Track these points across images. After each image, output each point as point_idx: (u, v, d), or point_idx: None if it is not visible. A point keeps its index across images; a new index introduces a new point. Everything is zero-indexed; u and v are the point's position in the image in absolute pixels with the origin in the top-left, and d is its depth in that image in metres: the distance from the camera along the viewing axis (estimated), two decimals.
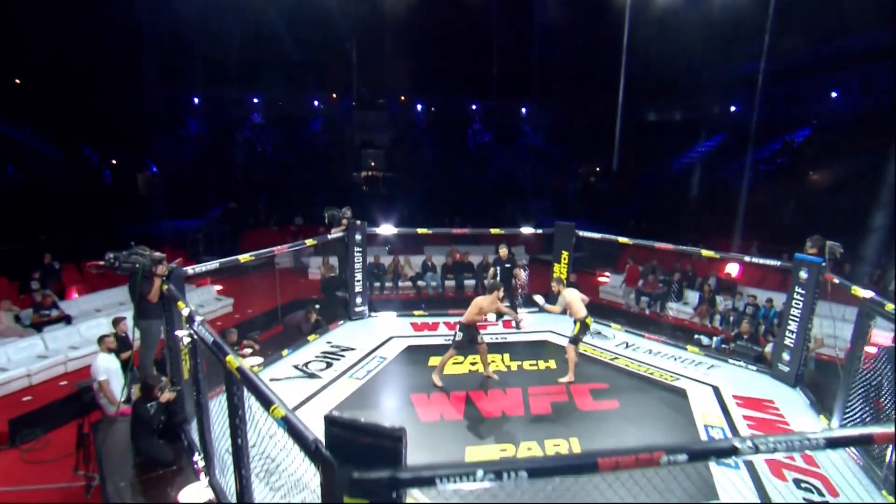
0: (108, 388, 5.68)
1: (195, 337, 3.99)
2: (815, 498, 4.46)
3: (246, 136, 24.90)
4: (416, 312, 8.97)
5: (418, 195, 20.91)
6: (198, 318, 3.92)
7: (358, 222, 8.26)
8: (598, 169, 25.81)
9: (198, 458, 4.54)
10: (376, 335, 7.93)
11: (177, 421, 5.02)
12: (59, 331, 8.36)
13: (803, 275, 6.28)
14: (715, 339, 8.27)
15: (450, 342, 6.78)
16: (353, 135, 26.11)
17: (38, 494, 5.33)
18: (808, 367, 6.64)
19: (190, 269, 5.60)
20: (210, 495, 4.20)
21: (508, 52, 25.87)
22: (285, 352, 7.13)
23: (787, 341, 6.52)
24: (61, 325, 8.63)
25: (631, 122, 22.26)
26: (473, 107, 28.80)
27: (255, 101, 26.25)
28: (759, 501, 4.38)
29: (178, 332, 4.36)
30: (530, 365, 7.03)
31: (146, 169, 21.74)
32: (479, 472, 2.03)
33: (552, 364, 7.05)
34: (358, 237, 8.27)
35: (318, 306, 8.31)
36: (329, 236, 8.13)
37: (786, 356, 6.56)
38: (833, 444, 2.50)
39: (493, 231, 9.32)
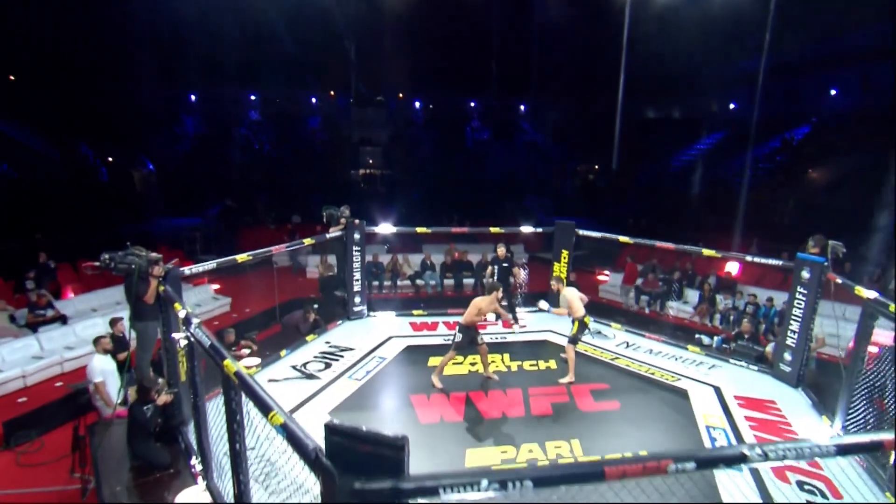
0: (105, 390, 5.62)
1: (192, 339, 3.92)
2: (819, 500, 4.43)
3: (243, 134, 24.76)
4: (415, 312, 8.92)
5: (417, 194, 20.83)
6: (195, 321, 3.85)
7: (356, 221, 8.20)
8: (596, 167, 25.77)
9: (195, 461, 4.48)
10: (375, 335, 7.88)
11: (174, 424, 4.95)
12: (54, 331, 8.27)
13: (805, 274, 6.24)
14: (716, 338, 8.23)
15: (449, 342, 6.73)
16: (351, 132, 25.99)
17: (34, 498, 5.26)
18: (809, 367, 6.60)
19: (187, 270, 5.54)
20: (208, 499, 4.14)
21: (507, 50, 25.79)
22: (283, 352, 7.07)
23: (789, 341, 6.48)
24: (57, 326, 8.54)
25: (630, 120, 22.25)
26: (472, 104, 28.70)
27: (253, 98, 26.10)
28: (761, 503, 4.34)
29: (175, 335, 4.29)
30: (530, 365, 6.99)
31: (143, 167, 21.60)
32: (484, 482, 1.99)
33: (552, 364, 7.01)
34: (356, 236, 8.22)
35: (316, 306, 8.25)
36: (327, 235, 8.06)
37: (787, 356, 6.52)
38: (843, 451, 2.46)
39: (493, 230, 9.26)
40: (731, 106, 23.07)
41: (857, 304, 5.97)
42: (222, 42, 21.26)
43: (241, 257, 6.30)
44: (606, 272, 12.48)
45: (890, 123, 13.83)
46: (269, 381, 6.36)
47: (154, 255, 4.91)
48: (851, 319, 6.70)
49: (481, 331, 6.47)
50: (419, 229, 9.18)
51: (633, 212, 19.10)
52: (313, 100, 26.93)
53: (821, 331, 6.63)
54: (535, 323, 8.62)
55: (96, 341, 5.80)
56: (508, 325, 8.48)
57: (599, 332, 8.25)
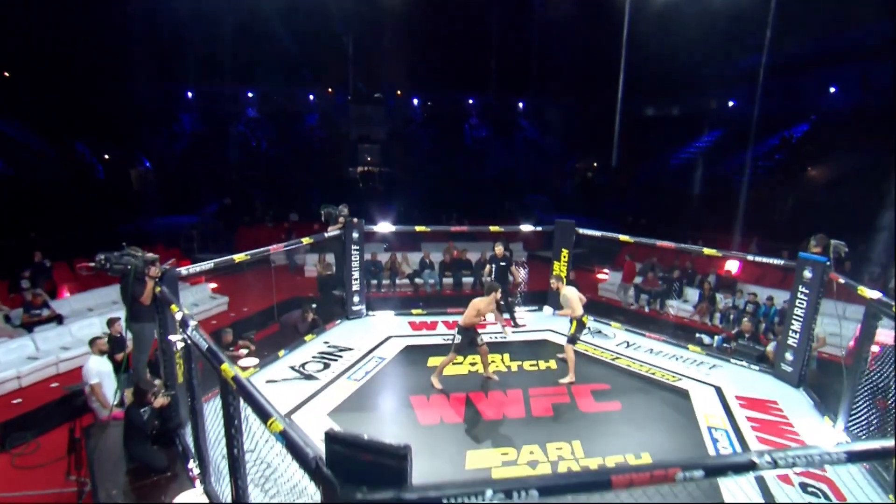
0: (101, 392, 5.55)
1: (189, 342, 3.86)
2: (822, 502, 4.40)
3: (240, 131, 24.64)
4: (414, 311, 8.87)
5: (415, 191, 20.76)
6: (191, 323, 3.79)
7: (355, 220, 8.13)
8: (595, 164, 25.72)
9: (193, 465, 4.43)
10: (374, 335, 7.82)
11: (171, 426, 4.89)
12: (50, 331, 8.19)
13: (807, 274, 6.21)
14: (716, 338, 8.20)
15: (449, 342, 6.70)
16: (349, 130, 25.87)
17: (29, 500, 5.20)
18: (810, 367, 6.57)
19: (184, 270, 5.47)
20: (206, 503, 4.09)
21: (505, 47, 25.68)
22: (282, 352, 7.02)
23: (791, 341, 6.45)
24: (52, 325, 8.46)
25: (628, 118, 22.18)
26: (470, 101, 28.60)
27: (250, 95, 25.95)
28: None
29: (172, 337, 4.23)
30: (530, 365, 6.95)
31: (140, 164, 21.46)
32: (489, 492, 1.95)
33: (552, 364, 6.96)
34: (355, 235, 8.15)
35: (314, 305, 8.19)
36: (326, 234, 8.00)
37: (789, 356, 6.49)
38: (853, 458, 2.41)
39: (493, 229, 9.21)
40: (731, 104, 23.02)
41: (857, 302, 5.97)
42: (219, 39, 21.13)
43: (239, 257, 6.23)
44: (606, 270, 12.44)
45: (889, 121, 13.81)
46: (268, 381, 6.31)
47: (150, 255, 4.85)
48: (851, 318, 6.71)
49: (480, 330, 6.41)
50: (418, 228, 9.13)
51: (632, 210, 19.08)
52: (311, 97, 26.78)
53: (822, 330, 6.61)
54: (534, 322, 8.58)
55: (92, 342, 5.73)
56: (509, 323, 8.45)
57: (600, 332, 8.22)
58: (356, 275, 8.30)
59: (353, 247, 8.17)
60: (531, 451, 5.04)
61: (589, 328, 8.18)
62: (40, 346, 7.81)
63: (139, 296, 4.78)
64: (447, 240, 13.05)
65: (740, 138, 19.28)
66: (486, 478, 4.64)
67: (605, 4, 20.89)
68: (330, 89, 26.66)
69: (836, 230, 6.75)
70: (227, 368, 3.01)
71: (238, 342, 7.30)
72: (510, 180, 24.12)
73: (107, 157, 20.33)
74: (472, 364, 6.76)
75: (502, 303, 7.88)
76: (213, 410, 3.97)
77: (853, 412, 5.17)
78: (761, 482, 4.64)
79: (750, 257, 7.33)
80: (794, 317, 6.37)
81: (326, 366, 6.76)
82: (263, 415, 2.61)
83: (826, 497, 4.45)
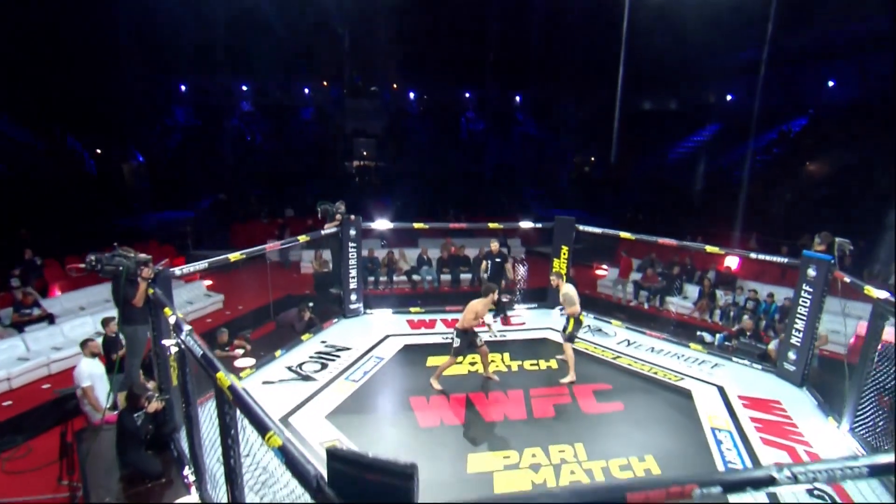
0: (93, 395, 5.42)
1: (183, 347, 3.74)
2: (828, 503, 4.34)
3: (235, 125, 24.36)
4: (412, 309, 8.75)
5: (411, 186, 20.60)
6: (185, 328, 3.66)
7: (352, 217, 7.99)
8: (592, 159, 25.61)
9: (188, 471, 4.32)
10: (372, 334, 7.71)
11: (166, 431, 4.78)
12: (41, 331, 8.04)
13: (811, 272, 6.12)
14: (717, 336, 8.13)
15: (448, 340, 6.60)
16: (344, 123, 25.63)
17: None
18: (812, 365, 6.51)
19: (178, 270, 5.33)
20: None
21: (502, 40, 25.42)
22: (278, 352, 6.90)
23: (794, 340, 6.38)
24: (43, 325, 8.30)
25: (626, 111, 22.05)
26: (467, 95, 28.38)
27: (244, 88, 25.64)
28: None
29: (166, 342, 4.10)
30: (531, 365, 6.86)
31: (132, 159, 21.16)
32: None
33: (553, 364, 6.88)
34: (352, 232, 8.02)
35: (311, 304, 8.07)
36: (323, 231, 7.86)
37: (792, 355, 6.43)
38: (875, 471, 2.33)
39: (492, 225, 9.11)
40: (728, 97, 22.94)
41: (857, 298, 5.91)
42: (213, 31, 20.82)
43: (234, 256, 6.09)
44: (604, 266, 12.37)
45: (888, 115, 13.77)
46: (264, 382, 6.20)
47: (143, 256, 4.71)
48: (851, 315, 6.65)
49: (479, 330, 6.28)
50: (416, 225, 9.01)
51: (630, 205, 19.01)
52: (306, 90, 26.49)
53: (823, 328, 6.55)
54: (534, 321, 8.50)
55: (84, 344, 5.59)
56: (508, 321, 8.38)
57: (600, 330, 8.15)
58: (353, 272, 8.18)
59: (351, 244, 8.04)
60: (533, 453, 4.96)
61: (589, 326, 8.14)
62: (31, 346, 7.66)
63: (131, 298, 4.65)
64: (445, 236, 12.93)
65: (738, 132, 19.21)
66: (488, 482, 4.59)
67: None
68: (325, 82, 26.36)
69: (835, 225, 6.69)
70: (224, 377, 2.89)
71: (234, 342, 7.20)
72: (507, 175, 23.99)
73: (98, 151, 20.03)
74: (472, 364, 6.66)
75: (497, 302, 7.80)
76: (208, 414, 3.86)
77: (859, 413, 5.12)
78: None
79: (753, 255, 7.22)
80: (798, 315, 6.29)
81: (324, 366, 6.65)
82: (261, 428, 2.50)
83: (831, 498, 4.39)
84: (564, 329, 6.48)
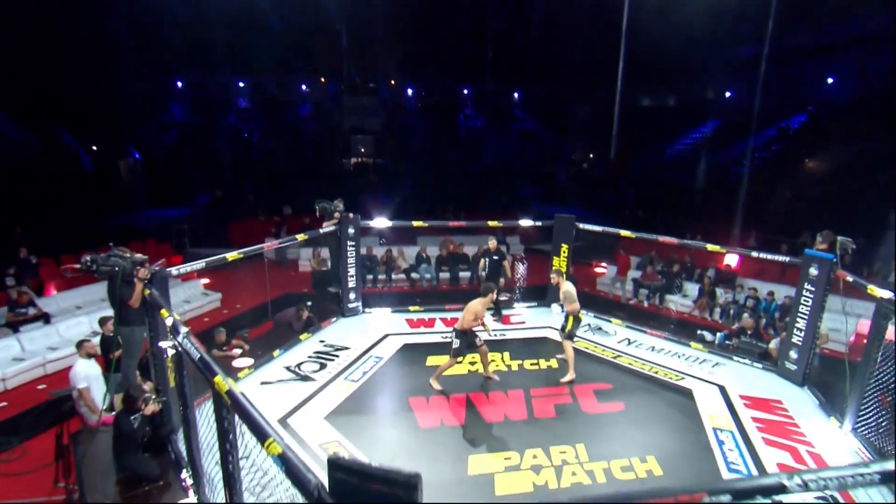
0: (89, 397, 5.35)
1: (180, 349, 3.68)
2: (830, 503, 4.31)
3: (232, 122, 24.20)
4: (411, 308, 8.70)
5: (410, 183, 20.51)
6: (183, 330, 3.60)
7: (350, 215, 7.93)
8: (591, 155, 25.55)
9: (185, 474, 4.27)
10: (371, 333, 7.67)
11: (163, 433, 4.73)
12: (36, 330, 7.93)
13: (813, 271, 6.09)
14: (718, 334, 8.09)
15: (447, 339, 6.55)
16: (342, 120, 25.48)
17: None
18: (813, 364, 6.49)
19: (174, 270, 5.27)
20: None
21: (501, 36, 25.28)
22: (276, 352, 6.85)
23: (795, 339, 6.36)
24: (39, 325, 8.20)
25: (625, 108, 21.95)
26: (465, 91, 28.24)
27: (241, 85, 25.45)
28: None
29: (162, 344, 4.04)
30: (531, 364, 6.83)
31: (128, 156, 21.01)
32: None
33: (553, 363, 6.84)
34: (351, 231, 7.96)
35: (309, 303, 8.01)
36: (321, 230, 7.79)
37: (793, 354, 6.40)
38: (886, 478, 2.29)
39: (491, 223, 9.05)
40: (727, 94, 22.87)
41: (857, 296, 5.88)
42: (210, 27, 20.60)
43: (232, 256, 6.03)
44: (604, 264, 12.32)
45: (888, 112, 13.73)
46: (262, 383, 6.15)
47: (139, 256, 4.64)
48: (851, 313, 6.63)
49: (477, 329, 6.22)
50: (415, 223, 8.95)
51: (629, 202, 18.96)
52: (303, 87, 26.31)
53: (823, 326, 6.53)
54: (533, 319, 8.46)
55: (79, 345, 5.51)
56: (508, 320, 8.34)
57: (600, 329, 8.12)
58: (352, 271, 8.13)
59: (349, 242, 7.98)
60: (534, 454, 4.93)
61: (589, 325, 8.11)
62: (26, 346, 7.57)
63: (127, 299, 4.58)
64: (444, 233, 12.86)
65: (737, 129, 19.15)
66: (489, 484, 4.55)
67: None
68: (323, 79, 26.17)
69: (834, 223, 6.65)
70: (222, 382, 2.84)
71: (231, 342, 7.14)
72: (505, 171, 23.91)
73: (94, 148, 19.87)
74: (472, 363, 6.62)
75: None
76: (206, 416, 3.80)
77: (861, 413, 5.09)
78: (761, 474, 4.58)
79: (755, 254, 7.18)
80: (800, 314, 6.26)
81: (323, 366, 6.60)
82: (261, 434, 2.44)
83: (833, 499, 4.36)
84: (564, 327, 6.45)
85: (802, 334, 6.25)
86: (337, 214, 7.81)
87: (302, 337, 7.35)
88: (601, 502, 2.20)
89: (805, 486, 2.16)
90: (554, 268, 8.33)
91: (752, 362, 6.95)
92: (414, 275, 11.77)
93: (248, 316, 9.36)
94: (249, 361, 6.53)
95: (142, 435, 4.56)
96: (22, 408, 6.57)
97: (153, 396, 4.65)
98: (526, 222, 9.51)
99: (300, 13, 20.46)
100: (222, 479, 3.23)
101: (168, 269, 5.06)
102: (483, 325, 6.05)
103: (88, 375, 5.41)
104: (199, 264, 5.58)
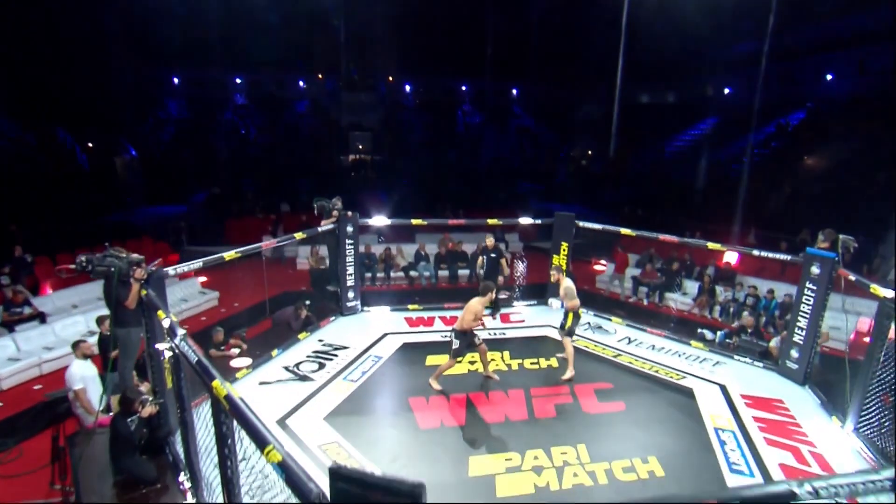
0: (85, 398, 5.30)
1: (177, 352, 3.62)
2: (833, 502, 4.29)
3: (229, 119, 24.06)
4: (410, 307, 8.65)
5: (408, 180, 20.44)
6: (180, 332, 3.55)
7: (349, 213, 7.86)
8: (589, 152, 25.50)
9: (184, 478, 4.22)
10: (370, 332, 7.62)
11: (160, 435, 4.67)
12: (32, 330, 7.86)
13: (815, 270, 6.06)
14: (719, 333, 8.07)
15: (446, 339, 6.50)
16: (340, 116, 25.36)
17: None
18: (814, 362, 6.47)
19: (171, 270, 5.20)
20: None
21: (499, 32, 25.19)
22: (275, 352, 6.80)
23: (796, 338, 6.33)
24: (35, 324, 8.12)
25: (624, 104, 21.91)
26: (463, 88, 28.14)
27: (238, 81, 25.29)
28: None
29: (159, 346, 3.98)
30: (531, 363, 6.78)
31: (125, 152, 20.87)
32: None
33: (553, 362, 6.80)
34: (349, 229, 7.90)
35: (308, 302, 7.94)
36: (319, 228, 7.73)
37: (794, 353, 6.38)
38: None
39: (491, 221, 9.00)
40: (726, 91, 22.83)
41: (857, 295, 5.86)
42: (206, 22, 20.47)
43: (229, 255, 5.97)
44: (603, 262, 12.29)
45: (887, 109, 13.70)
46: (261, 383, 6.10)
47: (135, 256, 4.58)
48: (851, 311, 6.60)
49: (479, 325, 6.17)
50: (414, 221, 8.89)
51: (628, 199, 18.92)
52: (301, 83, 26.16)
53: (824, 325, 6.50)
54: (533, 318, 8.42)
55: (75, 346, 5.46)
56: (507, 318, 8.31)
57: (600, 327, 8.08)
58: (351, 270, 8.07)
59: (348, 241, 7.92)
60: (535, 455, 4.89)
61: (589, 323, 8.08)
62: (22, 346, 7.50)
63: (124, 299, 4.52)
64: (443, 231, 12.81)
65: (736, 126, 19.12)
66: (490, 485, 4.51)
67: None
68: (320, 75, 26.03)
69: (833, 220, 6.61)
70: (220, 387, 2.79)
71: (229, 341, 7.07)
72: (503, 168, 23.84)
73: (90, 144, 19.72)
74: (472, 363, 6.57)
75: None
76: (204, 418, 3.75)
77: (863, 413, 5.06)
78: (769, 481, 4.55)
79: (756, 252, 7.14)
80: (801, 313, 6.23)
81: (321, 366, 6.55)
82: (260, 441, 2.39)
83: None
84: (563, 324, 6.43)
85: (804, 333, 6.23)
86: (335, 213, 7.75)
87: (300, 336, 7.30)
88: None
89: (816, 494, 2.13)
90: (554, 264, 8.31)
91: (753, 361, 6.93)
92: (413, 273, 11.72)
93: (246, 315, 9.30)
94: (247, 361, 6.47)
95: (139, 437, 4.51)
96: (18, 409, 6.51)
97: (150, 398, 4.59)
98: (526, 220, 9.45)
99: (297, 8, 20.32)
100: (221, 484, 3.18)
101: (165, 270, 5.00)
102: (482, 323, 6.01)
103: (85, 377, 5.36)
104: (197, 264, 5.53)
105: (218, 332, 7.10)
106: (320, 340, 7.28)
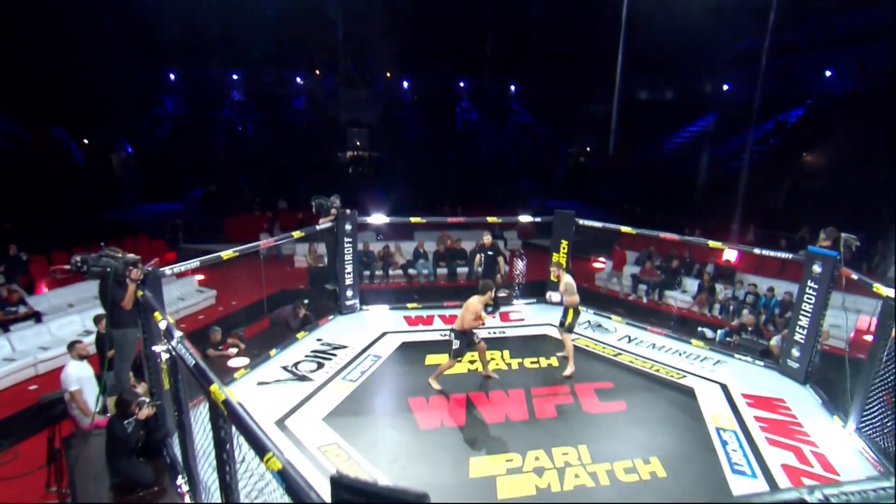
0: (81, 399, 5.23)
1: (174, 354, 3.57)
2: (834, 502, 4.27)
3: (226, 115, 23.91)
4: (409, 305, 8.60)
5: (406, 177, 20.35)
6: (177, 334, 3.49)
7: (347, 211, 7.80)
8: (588, 149, 25.43)
9: (181, 480, 4.17)
10: (369, 331, 7.58)
11: (157, 437, 4.62)
12: (27, 330, 7.78)
13: (817, 269, 6.03)
14: (719, 332, 8.04)
15: (446, 338, 6.45)
16: (337, 113, 25.23)
17: None
18: (814, 361, 6.44)
19: (168, 270, 5.13)
20: None
21: (497, 28, 25.04)
22: (273, 351, 6.75)
23: (797, 337, 6.31)
24: (30, 324, 8.04)
25: (622, 101, 21.85)
26: (461, 84, 28.02)
27: (235, 77, 25.12)
28: None
29: (156, 348, 3.92)
30: (531, 362, 6.75)
31: (121, 149, 20.72)
32: None
33: (553, 361, 6.77)
34: (348, 227, 7.84)
35: (306, 301, 7.89)
36: (318, 227, 7.67)
37: (795, 352, 6.36)
38: None
39: (490, 219, 8.95)
40: (725, 87, 22.78)
41: (857, 292, 5.83)
42: (203, 18, 20.26)
43: (226, 254, 5.91)
44: (602, 259, 12.26)
45: (886, 106, 13.67)
46: (259, 383, 6.05)
47: (131, 256, 4.51)
48: (850, 309, 6.57)
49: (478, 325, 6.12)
50: (413, 219, 8.83)
51: (627, 196, 18.89)
52: (298, 79, 25.99)
53: (824, 323, 6.47)
54: (532, 316, 8.38)
55: (71, 346, 5.38)
56: (506, 317, 8.27)
57: (600, 326, 8.05)
58: (349, 268, 8.01)
59: (346, 239, 7.86)
60: (536, 456, 4.86)
61: (589, 322, 8.05)
62: (17, 346, 7.42)
63: (120, 300, 4.45)
64: (441, 229, 12.75)
65: (735, 122, 19.09)
66: (491, 487, 4.48)
67: None
68: (318, 71, 25.87)
69: (832, 217, 6.58)
70: (218, 391, 2.73)
71: (227, 341, 7.01)
72: (501, 165, 23.76)
73: (86, 141, 19.57)
74: (472, 362, 6.53)
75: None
76: (201, 419, 3.69)
77: (866, 412, 5.04)
78: (772, 484, 4.53)
79: (757, 251, 7.11)
80: (802, 312, 6.21)
81: (320, 365, 6.51)
82: (259, 448, 2.34)
83: None
84: (563, 321, 6.40)
85: (805, 332, 6.20)
86: (334, 211, 7.69)
87: (299, 335, 7.25)
88: None
89: (826, 501, 2.08)
90: (554, 261, 8.28)
91: (754, 360, 6.91)
92: (411, 271, 11.66)
93: (244, 313, 9.25)
94: (245, 361, 6.42)
95: (136, 439, 4.45)
96: (13, 409, 6.45)
97: (147, 400, 4.53)
98: (525, 218, 9.41)
99: (295, 4, 20.15)
100: (219, 489, 3.13)
101: (161, 269, 4.93)
102: (482, 322, 5.97)
103: (81, 377, 5.29)
104: (194, 263, 5.46)
105: (215, 332, 7.04)
106: (319, 339, 7.24)
